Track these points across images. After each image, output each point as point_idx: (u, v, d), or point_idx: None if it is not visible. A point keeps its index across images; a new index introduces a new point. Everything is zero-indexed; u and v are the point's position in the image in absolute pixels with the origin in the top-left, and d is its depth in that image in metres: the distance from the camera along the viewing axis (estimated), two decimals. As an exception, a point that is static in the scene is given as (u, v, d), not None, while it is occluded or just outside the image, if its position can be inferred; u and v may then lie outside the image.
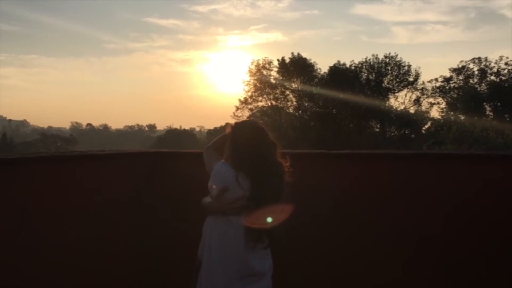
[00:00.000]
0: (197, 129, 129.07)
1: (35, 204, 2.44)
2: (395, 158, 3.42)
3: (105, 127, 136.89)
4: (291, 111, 41.23)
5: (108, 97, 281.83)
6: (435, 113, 39.78)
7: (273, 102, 41.14)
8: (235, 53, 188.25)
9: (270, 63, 41.57)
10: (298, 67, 39.81)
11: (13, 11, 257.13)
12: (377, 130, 39.99)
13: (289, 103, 41.23)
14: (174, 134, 76.28)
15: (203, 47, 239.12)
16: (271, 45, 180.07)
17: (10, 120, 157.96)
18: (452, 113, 36.16)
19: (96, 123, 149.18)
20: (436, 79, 40.37)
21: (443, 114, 37.72)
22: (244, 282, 2.20)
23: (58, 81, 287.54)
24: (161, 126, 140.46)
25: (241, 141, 2.25)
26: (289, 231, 2.26)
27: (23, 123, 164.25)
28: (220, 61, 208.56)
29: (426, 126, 39.01)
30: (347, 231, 3.21)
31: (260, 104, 42.12)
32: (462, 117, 33.14)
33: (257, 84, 41.54)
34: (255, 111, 42.18)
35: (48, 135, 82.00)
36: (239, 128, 2.35)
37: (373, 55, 40.34)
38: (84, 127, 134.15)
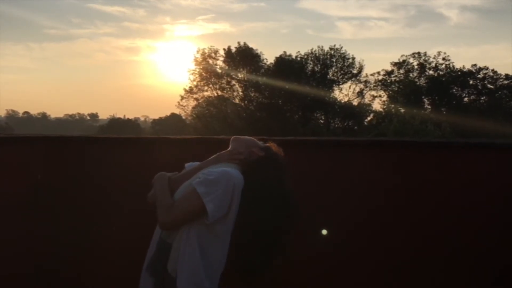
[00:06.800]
0: (142, 118, 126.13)
1: None
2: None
3: (44, 116, 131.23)
4: (237, 102, 40.81)
5: (48, 84, 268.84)
6: (377, 105, 40.88)
7: (219, 92, 40.49)
8: (182, 43, 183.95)
9: (216, 52, 40.84)
10: (244, 57, 39.35)
11: None
12: (322, 121, 40.44)
13: (235, 93, 40.77)
14: (117, 124, 73.61)
15: (149, 36, 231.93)
16: (218, 36, 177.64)
17: None
18: (393, 105, 37.19)
19: (34, 111, 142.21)
20: (378, 73, 41.48)
21: (384, 107, 38.79)
22: None
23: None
24: (104, 115, 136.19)
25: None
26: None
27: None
28: (167, 50, 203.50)
29: (369, 118, 39.98)
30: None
31: (205, 94, 41.34)
32: (402, 110, 34.12)
33: (203, 73, 40.71)
34: (200, 100, 41.41)
35: (-20, 123, 77.40)
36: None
37: (318, 47, 40.75)
38: (21, 115, 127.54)
